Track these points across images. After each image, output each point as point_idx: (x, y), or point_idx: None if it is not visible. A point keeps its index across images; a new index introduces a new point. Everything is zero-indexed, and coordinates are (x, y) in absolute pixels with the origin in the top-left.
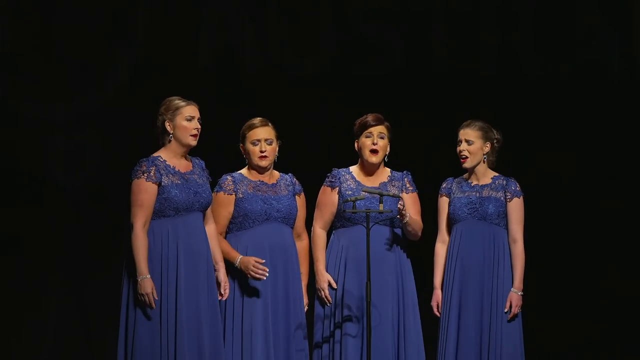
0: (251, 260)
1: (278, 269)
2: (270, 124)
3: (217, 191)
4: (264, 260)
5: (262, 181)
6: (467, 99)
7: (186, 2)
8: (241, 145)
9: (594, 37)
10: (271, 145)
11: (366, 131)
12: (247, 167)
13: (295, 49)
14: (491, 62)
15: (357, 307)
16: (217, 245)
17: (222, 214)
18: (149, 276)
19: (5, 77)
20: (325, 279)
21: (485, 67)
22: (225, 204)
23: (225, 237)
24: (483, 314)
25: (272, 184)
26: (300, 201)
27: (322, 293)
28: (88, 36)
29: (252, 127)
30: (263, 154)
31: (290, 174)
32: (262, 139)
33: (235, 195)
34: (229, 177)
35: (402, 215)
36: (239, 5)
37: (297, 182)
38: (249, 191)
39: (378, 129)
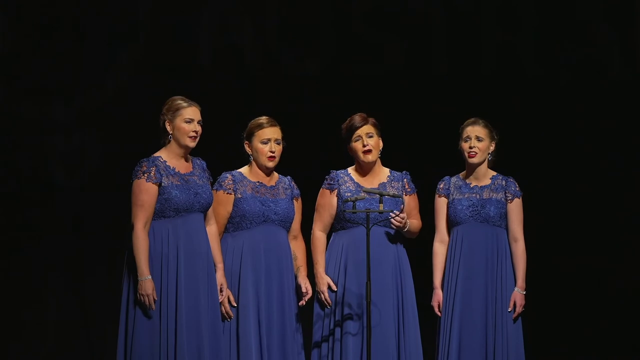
0: (226, 303)
1: (272, 271)
2: (277, 124)
3: (216, 189)
4: (235, 305)
5: (261, 183)
6: (466, 98)
7: (186, 2)
8: (246, 142)
9: (594, 36)
10: (279, 145)
11: (354, 135)
12: (248, 165)
13: (295, 49)
14: (491, 61)
15: (357, 307)
16: (217, 246)
17: (221, 212)
18: (150, 277)
19: (5, 77)
20: (324, 281)
21: (486, 66)
22: (224, 202)
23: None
24: (487, 314)
25: (271, 186)
26: (298, 205)
27: (322, 296)
28: (88, 36)
29: (261, 126)
30: (272, 154)
31: (289, 177)
32: (272, 138)
33: (235, 194)
34: (228, 176)
35: (402, 227)
36: (239, 5)
37: (295, 185)
38: (247, 192)
39: (365, 130)
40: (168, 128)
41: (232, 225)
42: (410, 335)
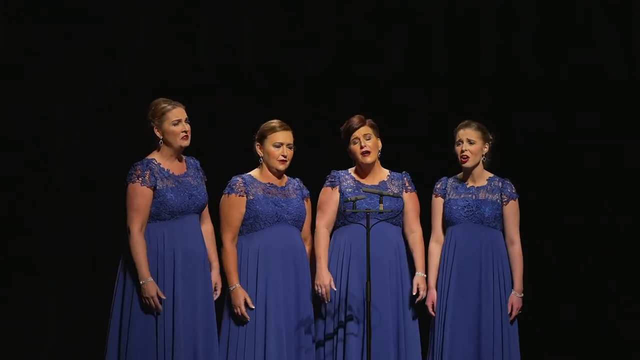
0: (241, 299)
1: (289, 271)
2: (290, 129)
3: (228, 193)
4: (253, 307)
5: (272, 184)
6: (466, 98)
7: (186, 2)
8: (258, 144)
9: (593, 37)
10: (291, 149)
11: (352, 137)
12: (258, 168)
13: (295, 48)
14: (491, 62)
15: (358, 307)
16: (213, 245)
17: (235, 215)
18: (151, 279)
19: (5, 77)
20: (327, 276)
21: (485, 67)
22: (237, 205)
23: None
24: (481, 315)
25: (282, 186)
26: (308, 205)
27: (322, 290)
28: (88, 36)
29: (274, 129)
30: (284, 158)
31: (297, 178)
32: (285, 143)
33: (247, 196)
34: (239, 179)
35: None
36: (239, 5)
37: (304, 186)
38: (259, 193)
39: (362, 131)
40: (157, 134)
41: (246, 227)
42: (409, 335)
